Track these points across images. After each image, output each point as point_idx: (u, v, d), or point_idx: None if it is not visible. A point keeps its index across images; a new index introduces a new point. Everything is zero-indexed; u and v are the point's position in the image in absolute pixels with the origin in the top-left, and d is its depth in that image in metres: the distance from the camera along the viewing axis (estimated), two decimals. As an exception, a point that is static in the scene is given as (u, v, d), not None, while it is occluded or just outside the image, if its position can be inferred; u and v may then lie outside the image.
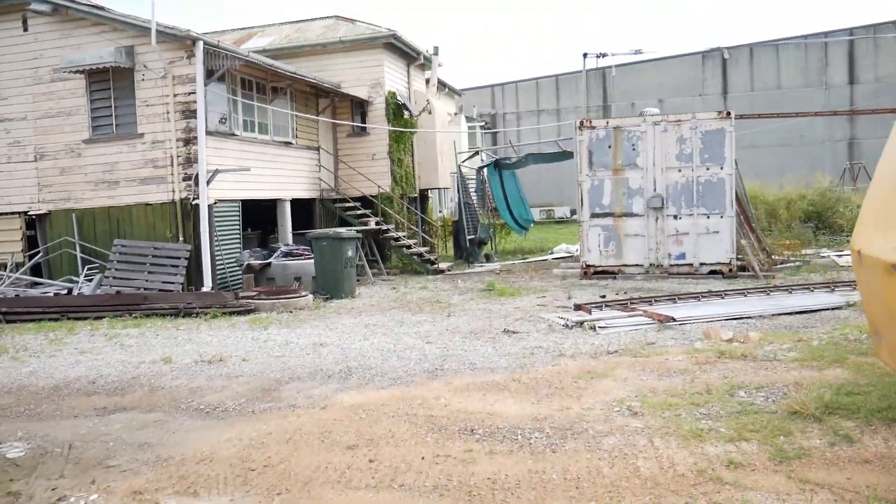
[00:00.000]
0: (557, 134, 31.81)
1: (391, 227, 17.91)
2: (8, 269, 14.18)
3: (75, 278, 13.78)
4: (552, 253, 20.82)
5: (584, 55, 27.39)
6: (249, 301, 12.15)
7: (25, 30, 13.78)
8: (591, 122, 15.11)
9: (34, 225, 14.38)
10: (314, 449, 5.28)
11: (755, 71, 39.50)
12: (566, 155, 19.73)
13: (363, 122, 18.79)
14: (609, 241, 14.73)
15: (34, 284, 13.88)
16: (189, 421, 6.33)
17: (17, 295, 13.03)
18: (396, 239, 17.78)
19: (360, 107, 18.86)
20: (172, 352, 9.04)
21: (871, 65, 37.75)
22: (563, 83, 42.13)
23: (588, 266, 14.87)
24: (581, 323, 9.50)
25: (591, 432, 5.15)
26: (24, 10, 13.60)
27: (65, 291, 13.38)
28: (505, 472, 4.57)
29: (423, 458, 4.90)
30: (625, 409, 5.60)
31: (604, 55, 27.31)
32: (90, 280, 13.60)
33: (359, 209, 17.87)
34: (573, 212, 33.43)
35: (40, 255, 14.26)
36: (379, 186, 18.27)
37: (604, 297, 11.97)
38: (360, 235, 14.83)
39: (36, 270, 14.33)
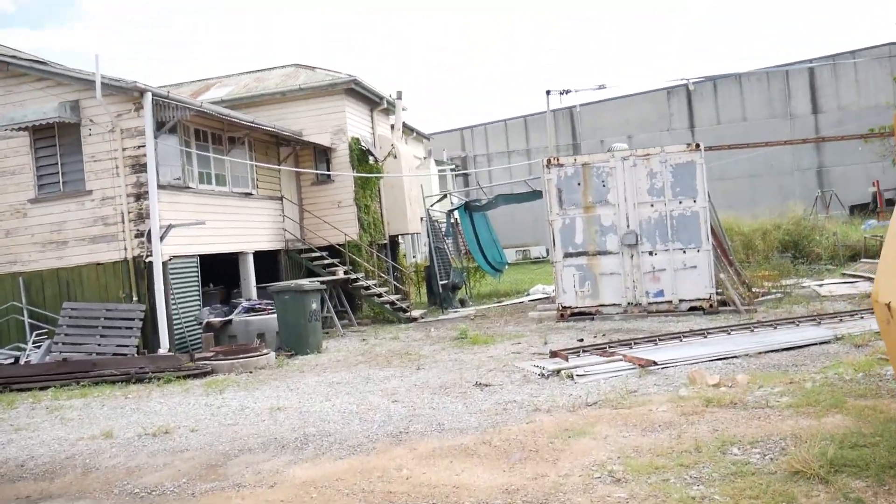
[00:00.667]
0: (528, 173, 31.55)
1: (360, 275, 17.30)
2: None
3: (23, 345, 12.96)
4: (528, 294, 20.29)
5: (548, 92, 27.32)
6: (206, 363, 11.41)
7: (-33, 87, 13.19)
8: (558, 159, 14.75)
9: (-21, 290, 13.56)
10: (253, 541, 4.60)
11: (720, 104, 39.89)
12: (536, 195, 19.36)
13: (327, 169, 18.31)
14: (584, 280, 14.24)
15: (-21, 354, 13.02)
16: (119, 510, 5.60)
17: (-43, 367, 12.16)
18: (366, 288, 17.16)
19: (323, 154, 18.40)
20: (115, 424, 8.28)
21: (833, 94, 38.27)
22: (532, 123, 42.20)
23: (564, 308, 14.33)
24: (558, 371, 8.90)
25: (568, 506, 4.53)
26: (-35, 67, 13.03)
27: (10, 360, 12.54)
28: (470, 563, 3.92)
29: (376, 549, 4.24)
30: (606, 475, 4.98)
31: (567, 91, 27.27)
32: (38, 346, 12.79)
33: (326, 258, 17.27)
34: (549, 250, 33.16)
35: (-14, 322, 13.42)
36: (346, 234, 17.71)
37: (581, 340, 11.41)
38: (324, 287, 14.20)
39: (-18, 338, 13.47)
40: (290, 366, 11.59)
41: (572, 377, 8.57)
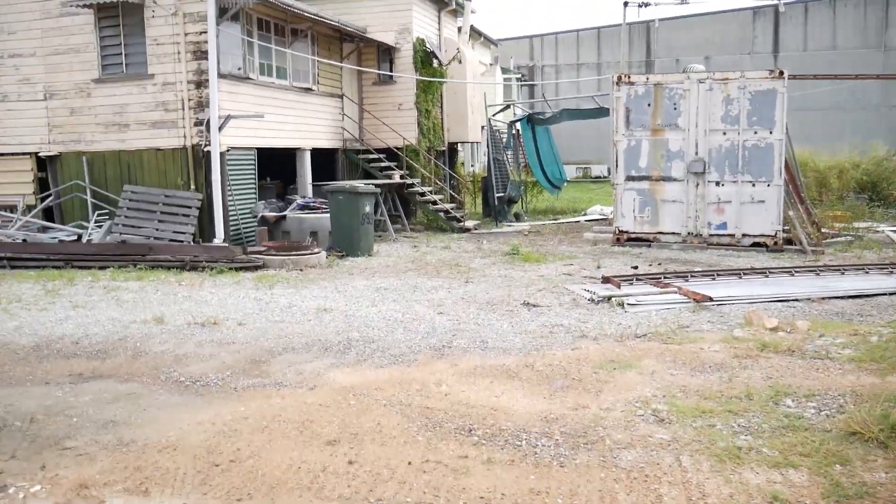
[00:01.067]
0: (597, 89, 30.38)
1: (416, 181, 17.12)
2: (19, 212, 13.76)
3: (86, 224, 13.31)
4: (585, 214, 19.88)
5: (625, 3, 25.79)
6: (258, 257, 11.54)
7: (34, -40, 13.08)
8: (629, 77, 14.02)
9: (46, 166, 13.88)
10: (291, 442, 4.64)
11: (809, 29, 37.28)
12: (602, 112, 18.61)
13: (390, 69, 17.86)
14: (645, 206, 13.78)
15: (45, 229, 13.43)
16: (165, 396, 5.74)
17: (24, 240, 12.60)
18: (422, 194, 17.02)
19: (387, 54, 17.92)
20: (167, 311, 8.47)
21: (936, 25, 35.36)
22: (605, 36, 40.31)
23: (621, 232, 13.97)
24: (608, 298, 8.70)
25: (607, 442, 4.42)
26: (33, -62, 12.86)
27: (74, 238, 12.92)
28: (502, 489, 3.87)
29: (409, 464, 4.23)
30: (649, 414, 4.85)
31: (646, 4, 25.68)
32: (100, 226, 13.12)
33: (383, 161, 17.10)
34: (610, 171, 32.34)
35: (51, 198, 13.80)
36: (404, 138, 17.43)
37: (636, 268, 11.13)
38: (378, 190, 14.10)
39: (48, 214, 13.89)
40: (340, 267, 11.65)
41: (623, 306, 8.36)
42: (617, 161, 13.99)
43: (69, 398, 5.70)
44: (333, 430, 4.77)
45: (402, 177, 16.89)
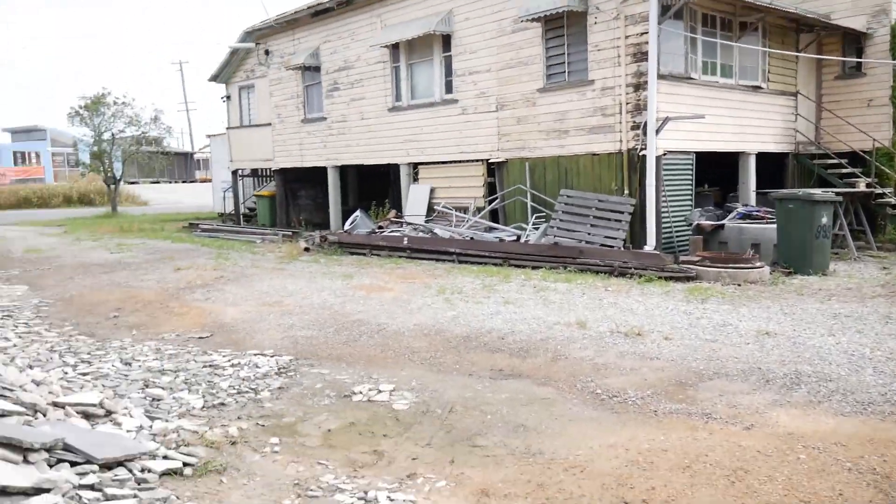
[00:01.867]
0: None
1: (888, 190, 14.18)
2: (470, 213, 15.12)
3: (525, 225, 13.99)
4: None
5: None
6: (691, 267, 10.61)
7: (495, -19, 14.19)
8: None
9: (494, 172, 15.01)
10: (717, 493, 3.74)
11: None
12: None
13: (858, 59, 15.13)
14: None
15: (490, 229, 14.51)
16: (579, 407, 5.31)
17: (471, 238, 13.74)
18: (893, 206, 14.03)
19: (854, 42, 15.22)
20: (591, 316, 8.14)
21: None
22: None
23: None
24: None
25: None
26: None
27: (513, 238, 13.65)
28: None
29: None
30: None
31: None
32: (537, 228, 13.64)
33: (844, 167, 14.56)
34: None
35: (497, 201, 14.85)
36: (874, 139, 14.58)
37: None
38: (839, 199, 11.91)
39: (494, 215, 15.01)
40: (787, 285, 10.03)
41: None
42: None
43: (486, 393, 5.65)
44: (776, 491, 3.71)
45: (867, 185, 14.15)
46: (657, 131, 11.81)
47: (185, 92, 78.84)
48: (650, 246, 11.90)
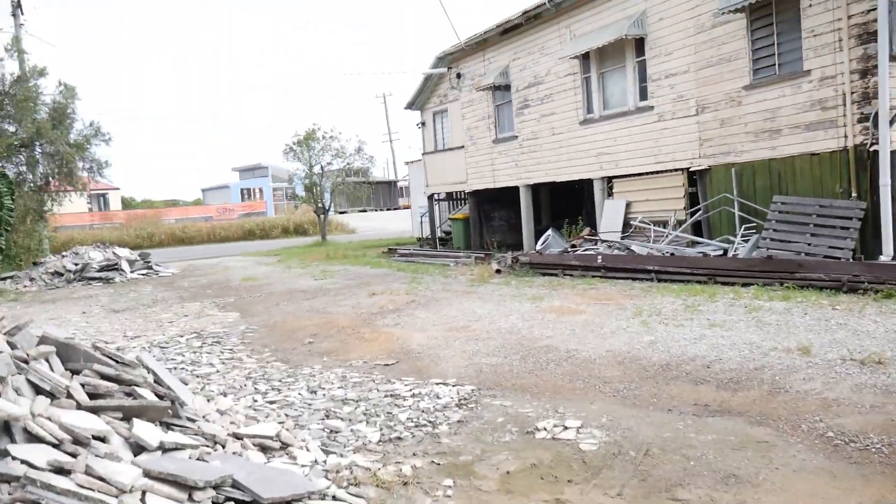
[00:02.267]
0: None
1: None
2: (670, 227, 14.08)
3: (732, 238, 12.72)
4: None
5: None
6: (943, 279, 8.90)
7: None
8: None
9: (695, 182, 13.85)
10: None
11: None
12: None
13: None
14: None
15: (693, 243, 13.38)
16: (804, 453, 4.42)
17: (671, 254, 12.71)
18: None
19: None
20: (815, 340, 7.00)
21: None
22: None
23: None
24: None
25: None
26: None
27: (719, 252, 12.44)
28: None
29: None
30: None
31: None
32: (746, 240, 12.33)
33: None
34: None
35: (700, 212, 13.68)
36: None
37: None
38: None
39: (696, 228, 13.84)
40: None
41: None
42: None
43: (689, 434, 4.91)
44: None
45: None
46: (891, 122, 10.19)
47: (388, 123, 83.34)
48: (887, 256, 10.24)
